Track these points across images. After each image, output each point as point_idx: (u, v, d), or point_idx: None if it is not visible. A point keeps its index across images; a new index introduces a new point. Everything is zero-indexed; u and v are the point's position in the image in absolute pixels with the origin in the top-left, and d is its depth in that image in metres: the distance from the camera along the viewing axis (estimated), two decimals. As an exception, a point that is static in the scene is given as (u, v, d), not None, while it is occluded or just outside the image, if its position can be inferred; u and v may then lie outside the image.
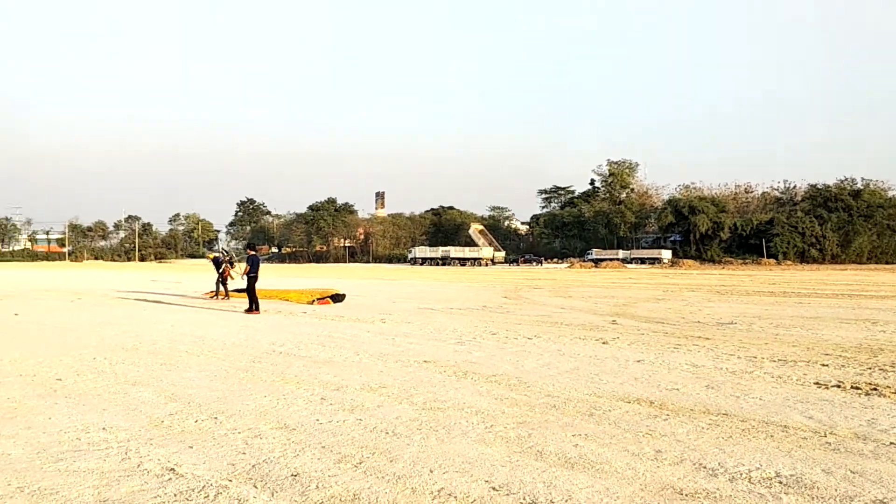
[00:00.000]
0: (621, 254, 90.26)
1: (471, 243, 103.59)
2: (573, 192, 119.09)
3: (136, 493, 4.57)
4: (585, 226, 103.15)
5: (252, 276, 17.46)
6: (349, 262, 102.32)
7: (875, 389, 7.87)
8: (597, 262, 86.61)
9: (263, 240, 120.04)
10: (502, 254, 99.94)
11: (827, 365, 9.61)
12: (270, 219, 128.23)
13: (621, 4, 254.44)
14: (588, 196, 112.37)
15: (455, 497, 4.47)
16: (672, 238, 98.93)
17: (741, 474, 4.92)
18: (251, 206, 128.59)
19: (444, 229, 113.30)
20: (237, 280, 25.27)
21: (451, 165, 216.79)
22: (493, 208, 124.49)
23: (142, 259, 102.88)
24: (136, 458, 5.32)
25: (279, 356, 10.46)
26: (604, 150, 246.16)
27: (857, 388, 7.93)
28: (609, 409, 6.89)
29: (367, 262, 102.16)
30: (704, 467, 5.08)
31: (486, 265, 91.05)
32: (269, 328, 14.16)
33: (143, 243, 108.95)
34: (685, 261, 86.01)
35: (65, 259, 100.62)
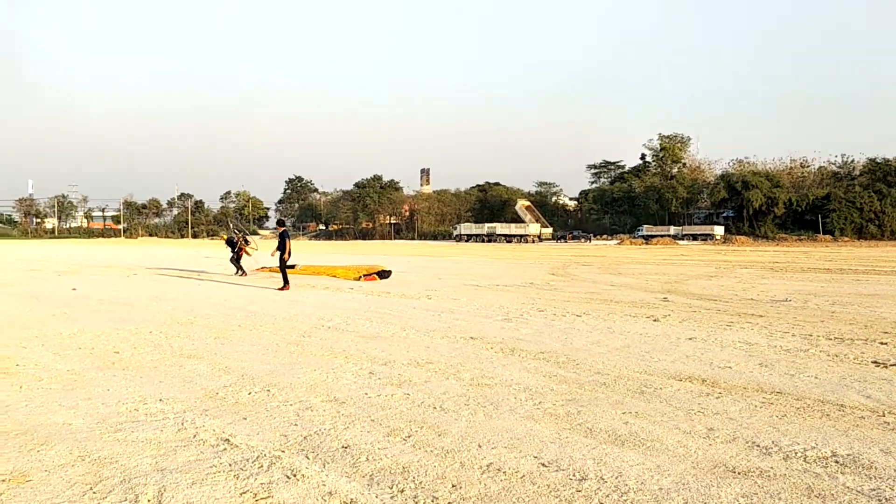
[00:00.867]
0: (672, 230, 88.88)
1: (517, 220, 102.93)
2: (623, 166, 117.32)
3: (193, 462, 4.68)
4: (636, 201, 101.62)
5: (283, 252, 17.51)
6: (394, 238, 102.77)
7: (935, 369, 7.67)
8: (647, 238, 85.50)
9: (311, 217, 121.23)
10: (549, 230, 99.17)
11: (886, 343, 9.37)
12: (318, 196, 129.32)
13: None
14: (639, 171, 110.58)
15: (504, 472, 4.49)
16: (725, 214, 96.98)
17: (796, 453, 4.84)
18: (299, 184, 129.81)
19: (489, 205, 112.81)
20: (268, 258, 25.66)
21: (497, 141, 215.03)
22: (540, 184, 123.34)
23: (194, 236, 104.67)
24: (191, 428, 5.45)
25: (328, 331, 10.58)
26: (655, 123, 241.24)
27: (917, 367, 7.74)
28: (660, 387, 6.83)
29: (413, 238, 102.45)
30: (758, 446, 5.00)
31: (533, 242, 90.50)
32: (318, 304, 14.33)
33: (196, 220, 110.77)
34: (738, 237, 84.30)
35: (120, 236, 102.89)
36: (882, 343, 9.39)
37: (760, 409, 6.01)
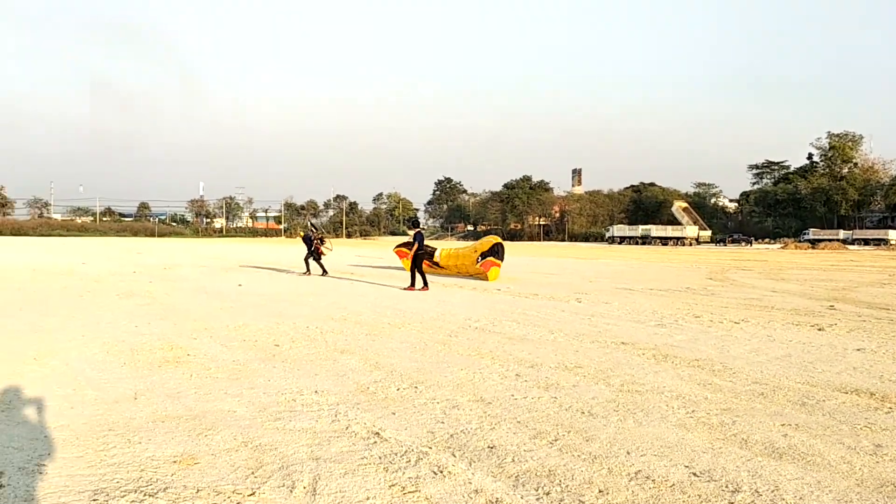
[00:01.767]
0: (842, 234, 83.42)
1: (673, 221, 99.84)
2: (788, 167, 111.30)
3: (345, 453, 4.86)
4: (801, 203, 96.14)
5: (420, 252, 17.67)
6: (544, 240, 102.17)
7: None
8: (814, 242, 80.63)
9: (459, 218, 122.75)
10: (707, 233, 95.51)
11: None
12: (466, 197, 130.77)
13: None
14: (805, 171, 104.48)
15: (653, 480, 4.38)
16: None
17: (978, 478, 4.43)
18: (448, 185, 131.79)
19: (644, 207, 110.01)
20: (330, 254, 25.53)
21: (653, 139, 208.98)
22: (698, 185, 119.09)
23: (348, 236, 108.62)
24: (344, 420, 5.66)
25: (474, 331, 10.68)
26: (823, 120, 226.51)
27: None
28: (823, 399, 6.44)
29: (563, 240, 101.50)
30: (933, 467, 4.62)
31: (690, 245, 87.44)
32: (465, 304, 14.48)
33: (350, 221, 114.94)
34: (916, 242, 78.01)
35: (280, 235, 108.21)
36: None
37: (938, 428, 5.54)
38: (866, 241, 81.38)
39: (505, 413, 5.94)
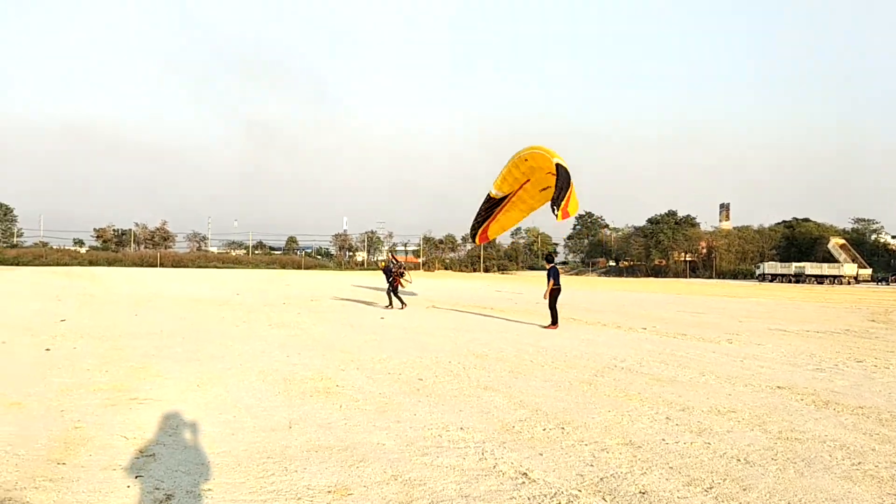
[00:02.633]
0: None
1: (829, 259, 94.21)
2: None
3: (493, 492, 4.84)
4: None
5: (556, 288, 17.36)
6: (689, 276, 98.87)
7: None
8: None
9: (601, 253, 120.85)
10: (868, 271, 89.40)
11: None
12: (608, 232, 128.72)
13: None
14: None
15: (820, 538, 4.10)
16: None
17: None
18: (589, 220, 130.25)
19: (797, 243, 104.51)
20: (409, 286, 25.48)
21: (806, 172, 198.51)
22: (857, 220, 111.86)
23: (486, 270, 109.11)
24: (491, 459, 5.65)
25: (620, 371, 10.43)
26: None
27: None
28: None
29: (710, 277, 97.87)
30: None
31: (849, 283, 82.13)
32: (609, 342, 14.19)
33: (488, 255, 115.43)
34: None
35: (419, 269, 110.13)
36: None
37: None
38: None
39: (656, 458, 5.75)
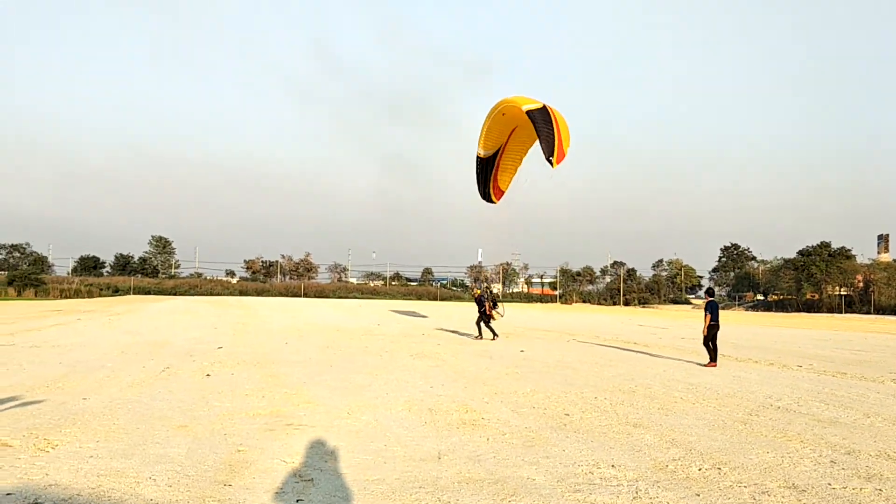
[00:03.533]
0: None
1: None
2: None
3: (651, 533, 4.71)
4: None
5: (713, 324, 16.51)
6: (845, 312, 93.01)
7: None
8: None
9: (748, 286, 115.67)
10: None
11: None
12: (755, 264, 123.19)
13: None
14: None
15: None
16: None
17: None
18: (735, 252, 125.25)
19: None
20: (500, 319, 24.66)
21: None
22: None
23: (626, 303, 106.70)
24: (646, 498, 5.50)
25: (777, 411, 9.93)
26: None
27: None
28: None
29: (867, 312, 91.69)
30: None
31: None
32: (763, 380, 13.53)
33: (628, 288, 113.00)
34: None
35: (555, 301, 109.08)
36: None
37: None
38: None
39: (821, 503, 5.42)
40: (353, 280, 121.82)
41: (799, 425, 8.79)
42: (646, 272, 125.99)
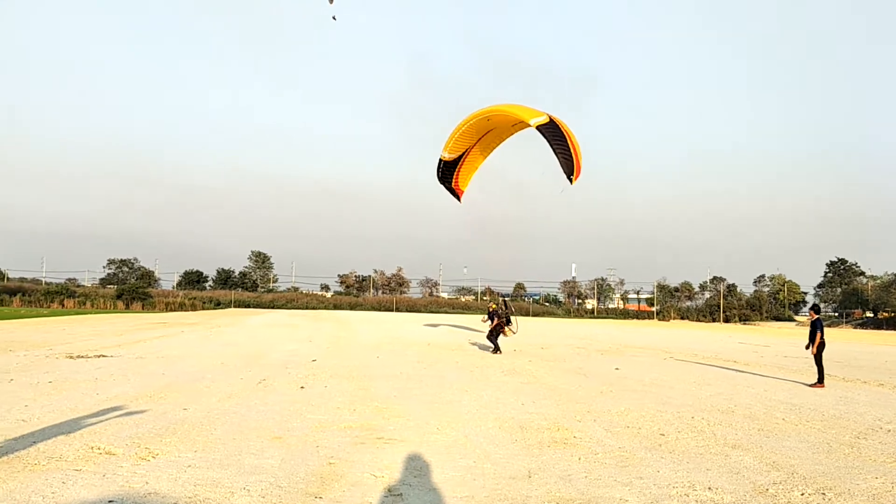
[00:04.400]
0: None
1: None
2: None
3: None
4: None
5: (821, 342, 15.62)
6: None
7: None
8: None
9: (856, 303, 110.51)
10: None
11: None
12: (864, 280, 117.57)
13: None
14: None
15: None
16: None
17: None
18: (842, 267, 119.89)
19: None
20: (512, 337, 24.07)
21: None
22: None
23: (726, 320, 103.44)
24: (745, 524, 5.27)
25: (887, 434, 9.41)
26: None
27: None
28: None
29: None
30: None
31: None
32: (871, 401, 12.87)
33: (727, 304, 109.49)
34: None
35: (652, 318, 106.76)
36: None
37: None
38: None
39: (941, 538, 5.08)
40: (445, 295, 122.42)
41: (913, 451, 8.29)
42: (747, 288, 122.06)
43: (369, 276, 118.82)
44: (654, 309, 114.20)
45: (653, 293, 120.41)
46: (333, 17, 19.10)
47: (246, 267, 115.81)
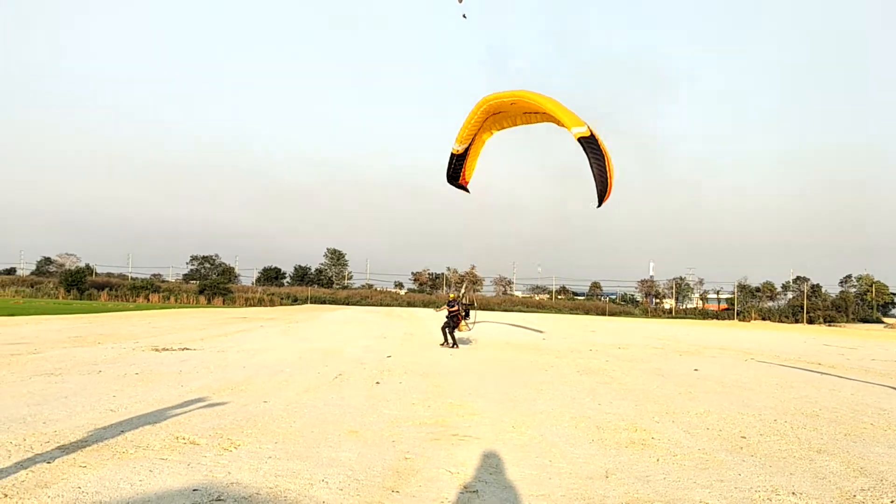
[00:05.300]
0: None
1: None
2: None
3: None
4: None
5: None
6: None
7: None
8: None
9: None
10: None
11: None
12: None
13: None
14: None
15: None
16: None
17: None
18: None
19: None
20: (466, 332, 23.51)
21: None
22: None
23: (809, 321, 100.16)
24: (833, 532, 5.10)
25: None
26: None
27: None
28: None
29: None
30: None
31: None
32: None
33: (812, 305, 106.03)
34: None
35: (732, 318, 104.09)
36: None
37: None
38: None
39: None
40: (518, 293, 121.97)
41: None
42: (832, 288, 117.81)
43: (442, 273, 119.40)
44: (734, 309, 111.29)
45: (733, 293, 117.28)
46: (464, 16, 19.07)
47: (322, 264, 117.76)
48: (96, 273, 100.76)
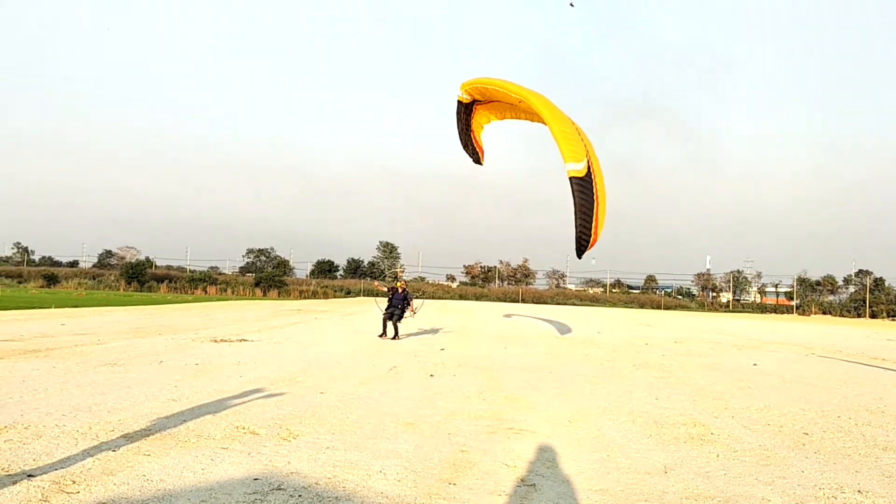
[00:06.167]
0: None
1: None
2: None
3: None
4: None
5: None
6: None
7: None
8: None
9: None
10: None
11: None
12: None
13: None
14: None
15: None
16: None
17: None
18: None
19: None
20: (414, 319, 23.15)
21: None
22: None
23: (872, 316, 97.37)
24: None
25: None
26: None
27: None
28: None
29: None
30: None
31: None
32: None
33: (875, 299, 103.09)
34: None
35: (791, 312, 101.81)
36: None
37: None
38: None
39: None
40: (572, 287, 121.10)
41: None
42: (895, 282, 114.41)
43: (495, 266, 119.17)
44: (793, 303, 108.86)
45: (792, 286, 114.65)
46: (571, 4, 18.89)
47: (374, 257, 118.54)
48: (156, 266, 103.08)
